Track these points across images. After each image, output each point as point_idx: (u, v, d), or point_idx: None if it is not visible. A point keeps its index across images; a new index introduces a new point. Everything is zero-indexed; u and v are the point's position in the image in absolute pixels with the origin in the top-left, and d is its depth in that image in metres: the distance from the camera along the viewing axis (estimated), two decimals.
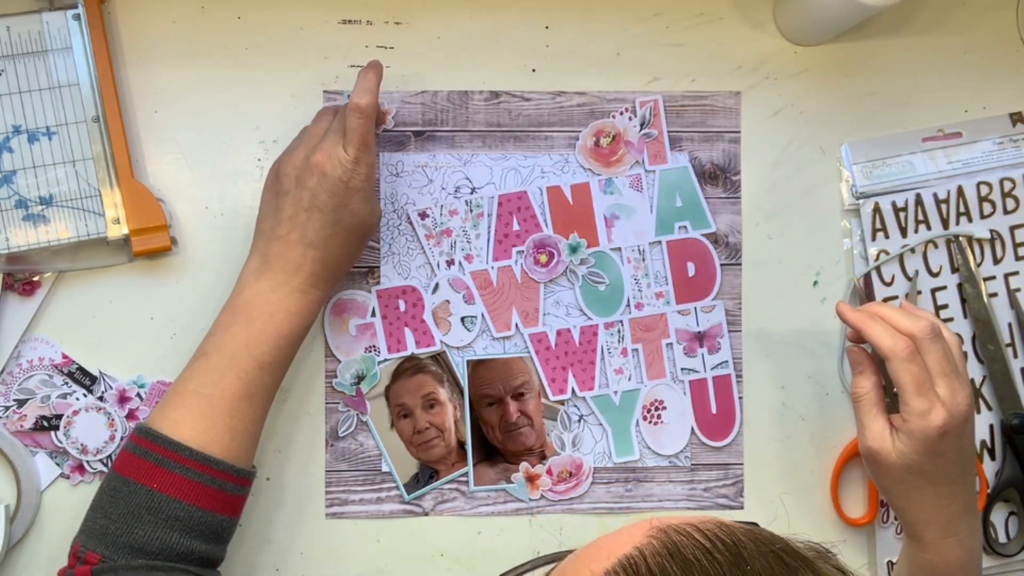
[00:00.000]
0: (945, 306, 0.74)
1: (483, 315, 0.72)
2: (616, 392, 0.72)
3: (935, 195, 0.73)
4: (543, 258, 0.72)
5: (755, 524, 0.42)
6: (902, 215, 0.73)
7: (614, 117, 0.73)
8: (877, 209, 0.73)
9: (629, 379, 0.73)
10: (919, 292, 0.73)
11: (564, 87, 0.73)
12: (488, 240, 0.72)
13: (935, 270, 0.74)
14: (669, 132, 0.73)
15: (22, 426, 0.69)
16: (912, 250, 0.74)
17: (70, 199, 0.67)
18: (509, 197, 0.72)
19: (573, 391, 0.72)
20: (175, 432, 0.60)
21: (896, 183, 0.74)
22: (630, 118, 0.73)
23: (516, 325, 0.72)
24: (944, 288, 0.74)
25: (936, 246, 0.74)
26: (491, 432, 0.72)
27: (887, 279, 0.74)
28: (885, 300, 0.73)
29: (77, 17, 0.67)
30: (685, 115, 0.73)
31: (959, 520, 0.61)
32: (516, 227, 0.72)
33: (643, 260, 0.73)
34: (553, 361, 0.72)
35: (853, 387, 0.63)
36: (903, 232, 0.73)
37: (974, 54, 0.75)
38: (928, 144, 0.74)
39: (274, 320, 0.62)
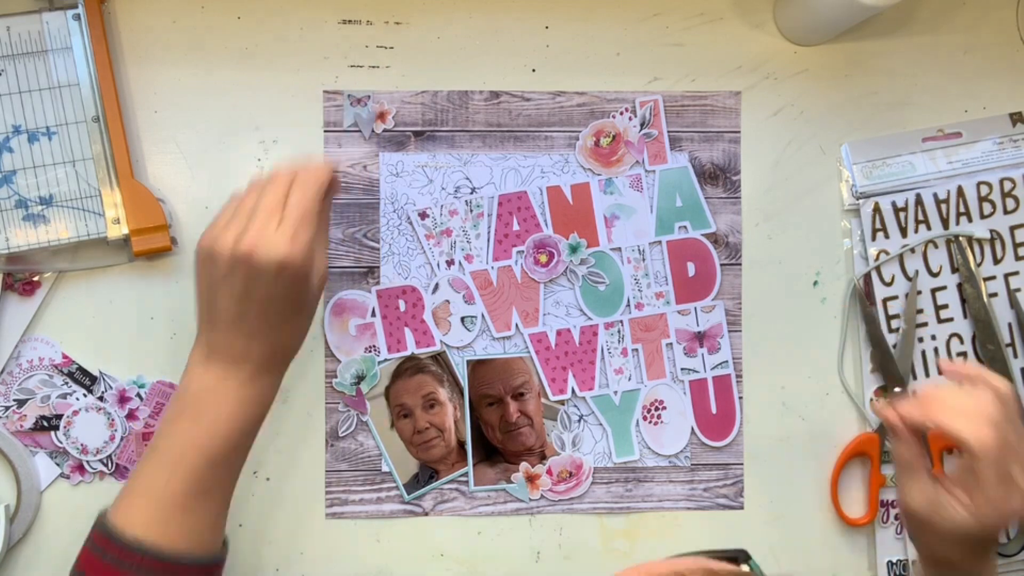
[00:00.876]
0: (945, 306, 0.74)
1: (483, 315, 0.72)
2: (616, 392, 0.72)
3: (935, 195, 0.73)
4: (543, 258, 0.72)
5: (744, 552, 0.41)
6: (902, 215, 0.73)
7: (614, 117, 0.73)
8: (877, 209, 0.73)
9: (629, 379, 0.73)
10: (919, 292, 0.73)
11: (564, 87, 0.73)
12: (488, 240, 0.72)
13: (935, 270, 0.74)
14: (669, 132, 0.73)
15: (22, 426, 0.69)
16: (912, 250, 0.74)
17: (70, 199, 0.67)
18: (509, 197, 0.72)
19: (573, 391, 0.72)
20: (131, 528, 0.56)
21: (896, 183, 0.74)
22: (630, 118, 0.73)
23: (516, 325, 0.72)
24: (944, 288, 0.74)
25: (936, 246, 0.74)
26: (491, 432, 0.72)
27: (887, 279, 0.74)
28: (885, 300, 0.73)
29: (77, 17, 0.67)
30: (685, 115, 0.73)
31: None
32: (516, 227, 0.72)
33: (643, 260, 0.73)
34: (553, 361, 0.72)
35: (893, 452, 0.62)
36: (903, 232, 0.73)
37: (974, 54, 0.75)
38: (928, 144, 0.74)
39: (223, 414, 0.58)
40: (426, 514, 0.72)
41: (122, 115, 0.67)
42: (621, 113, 0.73)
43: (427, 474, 0.71)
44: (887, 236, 0.73)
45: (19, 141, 0.67)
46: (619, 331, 0.73)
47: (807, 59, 0.74)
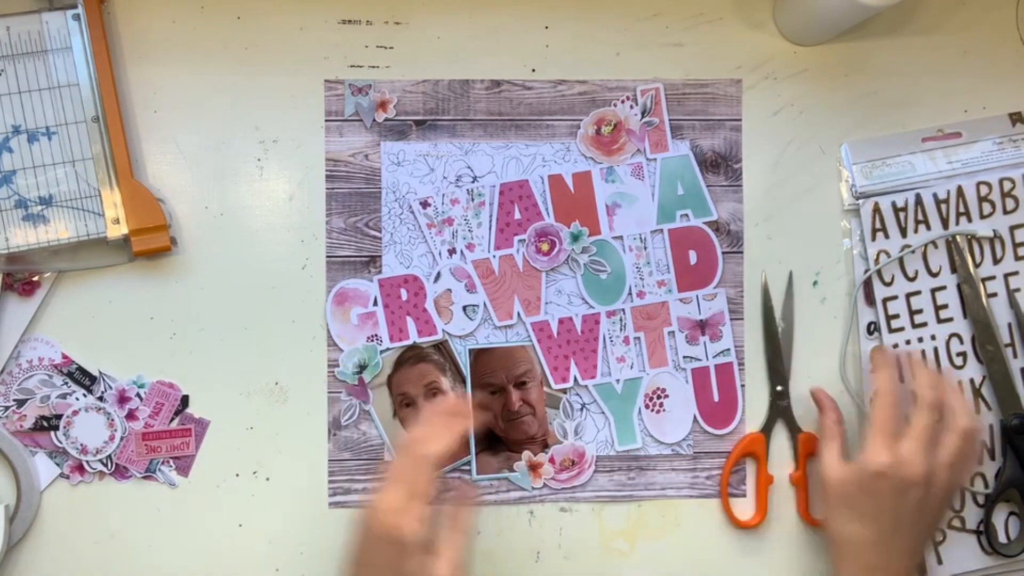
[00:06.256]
0: (945, 306, 0.74)
1: (485, 304, 0.72)
2: (618, 380, 0.72)
3: (935, 195, 0.73)
4: (545, 246, 0.72)
5: None
6: (902, 215, 0.73)
7: (615, 105, 0.73)
8: (877, 209, 0.73)
9: (631, 367, 0.73)
10: (919, 292, 0.73)
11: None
12: (490, 229, 0.72)
13: (935, 270, 0.74)
14: (670, 120, 0.73)
15: (22, 426, 0.69)
16: (912, 250, 0.74)
17: (70, 199, 0.67)
18: (511, 186, 0.72)
19: (575, 379, 0.72)
20: None
21: (896, 183, 0.74)
22: (631, 106, 0.73)
23: (518, 314, 0.72)
24: (944, 288, 0.74)
25: (936, 246, 0.74)
26: (493, 421, 0.72)
27: (887, 279, 0.74)
28: (885, 300, 0.73)
29: (77, 17, 0.67)
30: (686, 103, 0.73)
31: (878, 573, 0.63)
32: (518, 216, 0.72)
33: (645, 248, 0.73)
34: (555, 350, 0.72)
35: (821, 421, 0.70)
36: (903, 232, 0.73)
37: (974, 54, 0.75)
38: (928, 144, 0.74)
39: None
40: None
41: (122, 115, 0.67)
42: (622, 101, 0.73)
43: None
44: (887, 236, 0.73)
45: (19, 141, 0.67)
46: (621, 319, 0.73)
47: (807, 59, 0.74)
